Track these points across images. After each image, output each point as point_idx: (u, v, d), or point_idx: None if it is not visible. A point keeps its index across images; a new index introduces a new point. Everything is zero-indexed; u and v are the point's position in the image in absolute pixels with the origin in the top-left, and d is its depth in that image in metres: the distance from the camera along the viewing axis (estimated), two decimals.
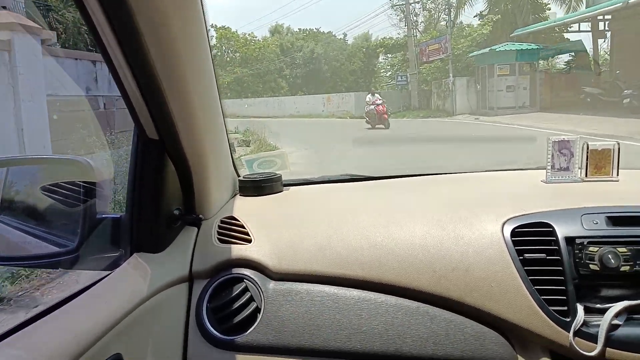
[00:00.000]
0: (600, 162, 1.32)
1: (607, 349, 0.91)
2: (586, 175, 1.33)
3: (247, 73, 33.87)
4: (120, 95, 0.90)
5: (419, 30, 28.05)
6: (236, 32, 35.35)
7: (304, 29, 37.89)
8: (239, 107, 30.72)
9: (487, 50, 19.98)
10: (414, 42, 26.60)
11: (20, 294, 2.75)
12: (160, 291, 0.98)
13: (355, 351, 0.98)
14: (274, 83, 34.33)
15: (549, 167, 1.33)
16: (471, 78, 21.76)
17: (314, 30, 37.60)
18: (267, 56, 34.32)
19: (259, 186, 1.37)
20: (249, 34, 36.36)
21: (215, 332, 1.02)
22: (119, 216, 1.05)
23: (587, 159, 1.32)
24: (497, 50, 19.45)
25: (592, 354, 0.91)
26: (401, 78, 27.88)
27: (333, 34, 37.20)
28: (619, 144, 1.33)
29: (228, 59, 35.19)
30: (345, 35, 37.69)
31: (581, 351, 0.92)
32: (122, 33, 0.78)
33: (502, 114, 17.64)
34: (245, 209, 1.25)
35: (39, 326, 0.75)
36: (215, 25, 33.85)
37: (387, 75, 34.06)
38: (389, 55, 32.44)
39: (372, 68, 34.40)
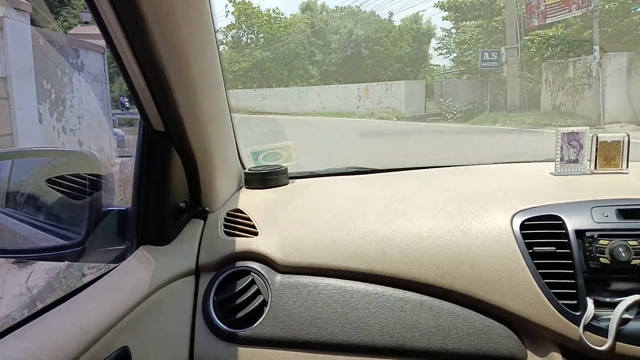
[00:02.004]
0: (609, 154, 1.30)
1: (618, 343, 0.90)
2: (595, 168, 1.31)
3: (270, 57, 28.57)
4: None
5: None
6: (258, 7, 29.99)
7: (341, 7, 31.62)
8: (252, 100, 25.82)
9: None
10: None
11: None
12: (167, 284, 0.97)
13: (362, 345, 0.98)
14: (303, 70, 29.02)
15: (558, 160, 1.32)
16: (635, 55, 11.74)
17: (354, 8, 31.11)
18: (295, 38, 28.97)
19: (264, 179, 1.37)
20: (273, 10, 30.59)
21: (222, 325, 1.02)
22: (125, 209, 1.05)
23: (596, 151, 1.30)
24: None
25: (602, 348, 0.90)
26: (490, 57, 16.57)
27: (376, 13, 30.88)
28: (628, 136, 1.31)
29: (248, 40, 30.17)
30: (391, 14, 31.49)
31: (591, 345, 0.91)
32: (128, 23, 0.77)
33: None
34: (251, 201, 1.25)
35: (46, 319, 0.75)
36: None
37: (452, 57, 23.54)
38: (453, 32, 22.77)
39: (423, 55, 28.18)
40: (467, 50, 19.90)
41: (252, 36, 30.22)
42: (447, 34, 23.46)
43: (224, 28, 30.44)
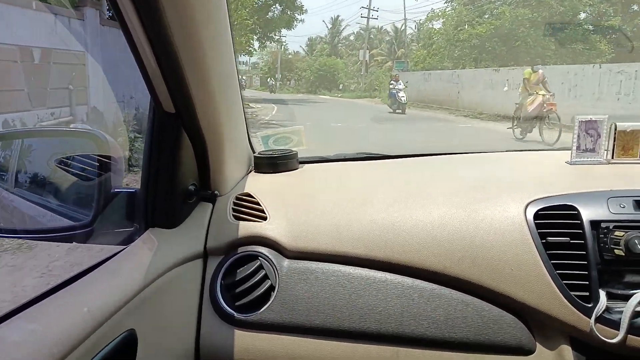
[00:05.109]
0: (627, 144, 1.27)
1: (629, 336, 0.89)
2: (612, 157, 1.28)
3: (528, 16, 17.22)
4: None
5: None
6: None
7: None
8: (447, 84, 15.90)
9: None
10: None
11: None
12: (174, 267, 0.97)
13: (370, 332, 0.97)
14: (583, 42, 16.40)
15: (575, 148, 1.29)
16: None
17: None
18: None
19: (274, 163, 1.35)
20: None
21: (229, 309, 1.02)
22: (134, 190, 1.04)
23: (614, 140, 1.27)
24: None
25: (614, 340, 0.89)
26: None
27: None
28: None
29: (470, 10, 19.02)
30: None
31: (602, 337, 0.90)
32: (141, 3, 0.75)
33: None
34: (261, 185, 1.24)
35: (53, 301, 0.75)
36: None
37: None
38: None
39: None
40: None
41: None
42: None
43: None
